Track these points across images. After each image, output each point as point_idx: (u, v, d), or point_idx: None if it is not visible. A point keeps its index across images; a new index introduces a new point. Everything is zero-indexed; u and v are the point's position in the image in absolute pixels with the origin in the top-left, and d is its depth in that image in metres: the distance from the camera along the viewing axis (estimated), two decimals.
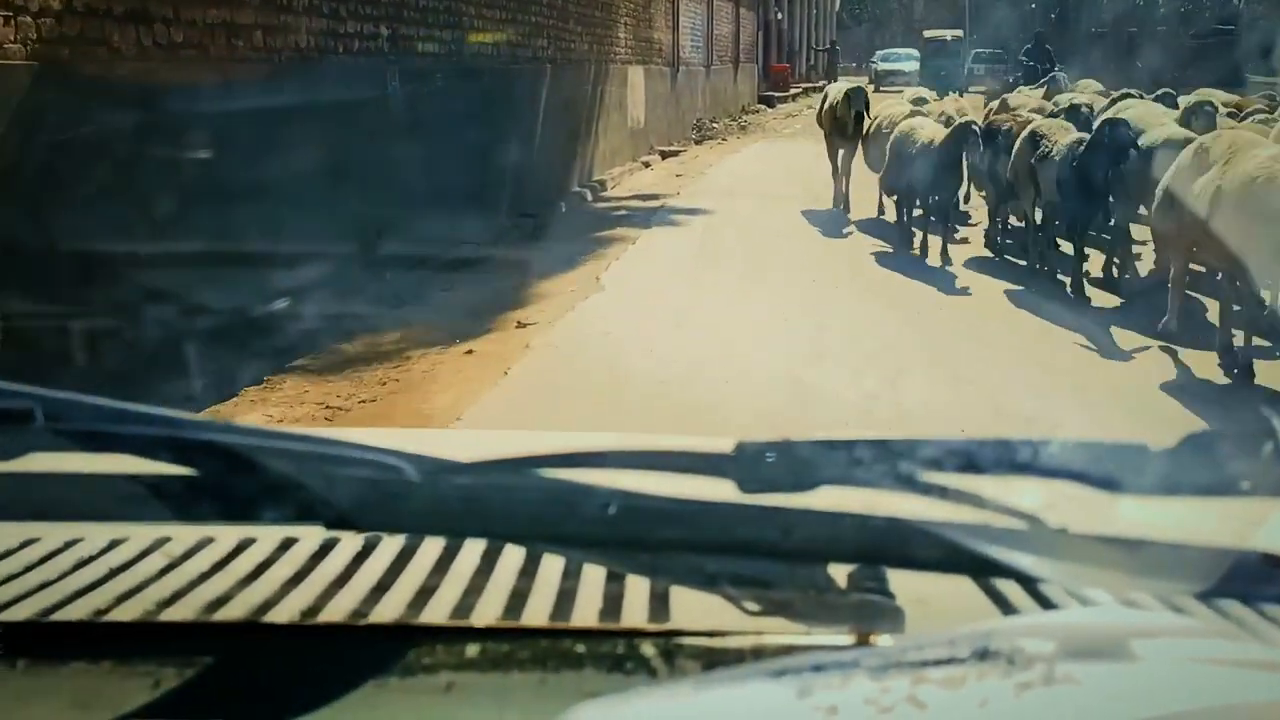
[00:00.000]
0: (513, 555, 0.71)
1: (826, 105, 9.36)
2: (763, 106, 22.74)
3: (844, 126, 8.81)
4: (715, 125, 17.41)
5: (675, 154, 13.82)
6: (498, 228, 7.52)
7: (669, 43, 14.86)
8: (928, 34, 31.63)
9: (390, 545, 0.73)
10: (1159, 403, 4.16)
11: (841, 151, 9.06)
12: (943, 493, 0.60)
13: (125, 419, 0.64)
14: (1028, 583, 0.66)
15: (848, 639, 0.60)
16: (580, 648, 0.61)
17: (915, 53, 33.41)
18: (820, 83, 32.32)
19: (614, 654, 0.60)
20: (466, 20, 7.50)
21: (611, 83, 11.64)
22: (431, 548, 0.73)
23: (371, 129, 6.08)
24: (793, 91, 25.49)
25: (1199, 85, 9.16)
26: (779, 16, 25.83)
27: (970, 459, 0.61)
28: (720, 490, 0.61)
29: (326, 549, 0.73)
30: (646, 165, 12.58)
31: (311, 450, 0.64)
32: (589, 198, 9.98)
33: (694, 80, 16.75)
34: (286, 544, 0.74)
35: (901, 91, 22.40)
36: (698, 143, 15.55)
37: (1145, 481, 0.61)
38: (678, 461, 0.63)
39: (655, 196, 10.12)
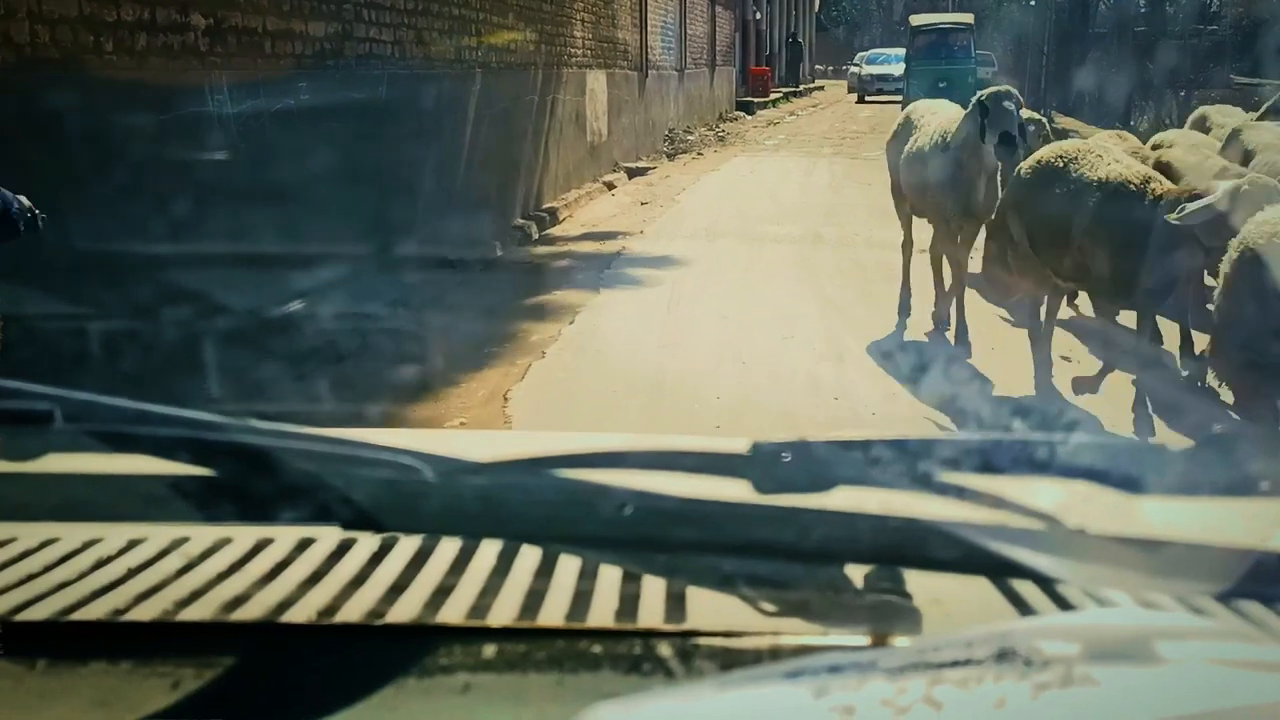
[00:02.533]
0: (529, 555, 0.71)
1: (925, 145, 4.72)
2: (741, 113, 20.87)
3: (973, 192, 4.42)
4: (690, 136, 15.54)
5: (643, 172, 11.91)
6: (399, 289, 5.42)
7: (636, 44, 12.97)
8: (917, 21, 19.75)
9: (407, 545, 0.73)
10: None
11: (960, 238, 4.63)
12: (960, 493, 0.61)
13: (144, 420, 0.64)
14: (1045, 583, 0.65)
15: (864, 639, 0.60)
16: (597, 648, 0.61)
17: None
18: (803, 87, 30.28)
19: (630, 654, 0.60)
20: (347, 12, 5.63)
21: (566, 90, 9.74)
22: (448, 548, 0.73)
23: (186, 161, 4.17)
24: (773, 96, 23.64)
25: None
26: (757, 16, 23.93)
27: (987, 459, 0.62)
28: (736, 490, 0.61)
29: (344, 549, 0.73)
30: (609, 187, 10.64)
31: (329, 451, 0.65)
32: (534, 234, 7.89)
33: (665, 86, 14.88)
34: (304, 544, 0.74)
35: (892, 100, 19.17)
36: (670, 157, 13.63)
37: (1164, 482, 0.61)
38: (694, 462, 0.64)
39: (613, 235, 7.82)
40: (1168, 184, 3.50)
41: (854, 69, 32.33)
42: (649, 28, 13.43)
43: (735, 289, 5.85)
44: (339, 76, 5.38)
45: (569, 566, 0.69)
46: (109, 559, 0.72)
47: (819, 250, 7.00)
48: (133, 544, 0.74)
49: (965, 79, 16.29)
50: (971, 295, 4.57)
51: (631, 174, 11.80)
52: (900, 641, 0.59)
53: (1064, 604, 0.65)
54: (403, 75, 6.04)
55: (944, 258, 4.79)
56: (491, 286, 6.00)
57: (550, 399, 4.05)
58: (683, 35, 16.10)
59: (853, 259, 6.60)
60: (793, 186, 10.18)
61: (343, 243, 5.26)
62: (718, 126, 17.60)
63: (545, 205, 8.93)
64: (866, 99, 27.09)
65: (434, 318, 5.18)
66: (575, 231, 8.15)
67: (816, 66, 36.56)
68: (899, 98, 19.68)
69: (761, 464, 0.61)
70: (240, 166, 4.47)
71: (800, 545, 0.62)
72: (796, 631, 0.61)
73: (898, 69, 23.83)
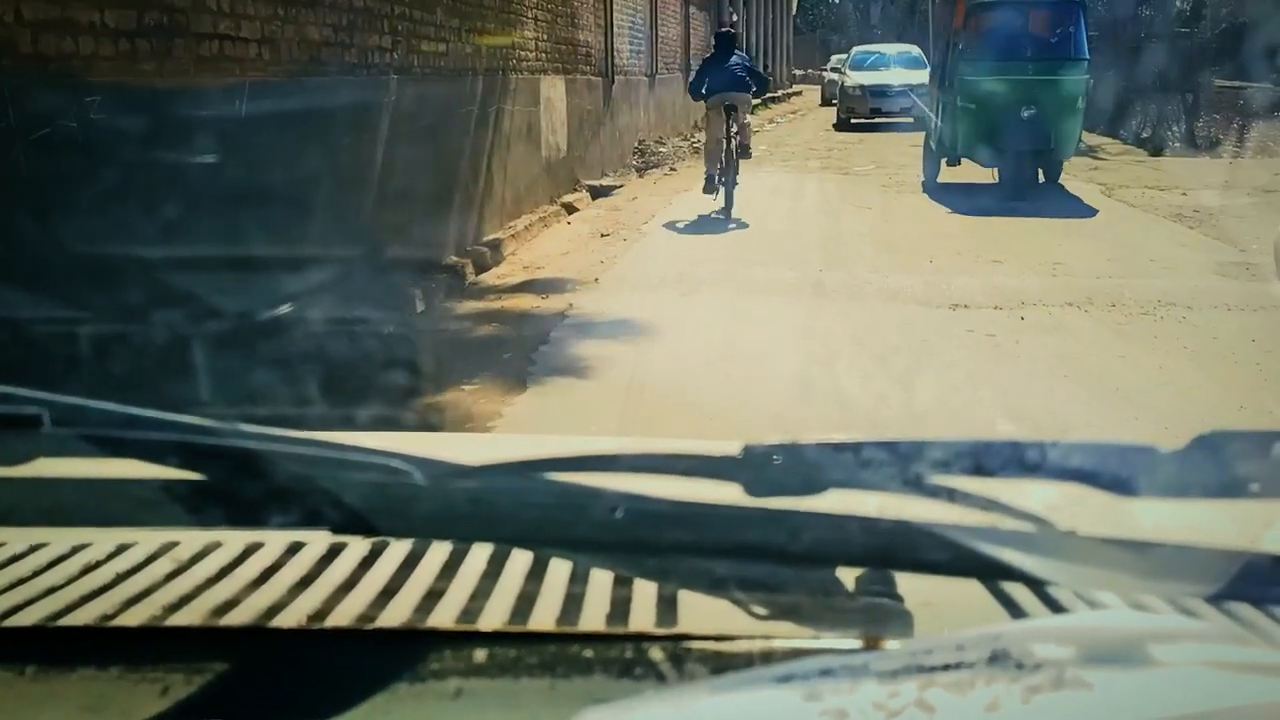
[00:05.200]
0: (520, 559, 0.71)
1: None
2: None
3: None
4: (662, 148, 14.04)
5: (609, 191, 10.42)
6: (249, 381, 3.67)
7: (600, 47, 11.51)
8: None
9: (398, 549, 0.73)
10: None
11: None
12: (951, 495, 0.60)
13: (132, 424, 0.64)
14: (1036, 586, 0.66)
15: (856, 643, 0.60)
16: (588, 652, 0.61)
17: (917, 53, 18.51)
18: (780, 92, 27.99)
19: (622, 658, 0.60)
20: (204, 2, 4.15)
21: (514, 99, 8.27)
22: (439, 552, 0.72)
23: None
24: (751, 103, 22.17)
25: None
26: (734, 18, 22.49)
27: (978, 461, 0.61)
28: (727, 493, 0.61)
29: (334, 553, 0.73)
30: (568, 210, 9.14)
31: (318, 454, 0.64)
32: (468, 277, 6.29)
33: (634, 93, 13.42)
34: (294, 548, 0.74)
35: (893, 121, 15.83)
36: (640, 172, 12.13)
37: (1154, 484, 0.60)
38: (685, 465, 0.63)
39: (561, 285, 5.90)
40: None
41: (830, 75, 23.92)
42: (615, 29, 11.96)
43: (718, 382, 4.02)
44: (169, 90, 3.89)
45: (560, 570, 0.69)
46: (98, 564, 0.72)
47: (823, 308, 5.31)
48: (122, 548, 0.74)
49: (1070, 102, 8.86)
50: None
51: (595, 193, 10.32)
52: (892, 644, 0.58)
53: (1055, 606, 0.66)
54: (274, 86, 4.56)
55: None
56: (384, 372, 4.20)
57: None
58: (653, 37, 14.63)
59: (869, 320, 5.03)
60: (780, 212, 8.65)
61: (176, 307, 3.77)
62: (693, 136, 16.12)
63: (487, 237, 7.44)
64: (852, 122, 18.16)
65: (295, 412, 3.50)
66: (515, 276, 6.37)
67: (795, 71, 35.27)
68: (906, 119, 15.12)
69: (753, 466, 0.61)
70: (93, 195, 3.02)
71: (792, 548, 0.61)
72: (788, 635, 0.61)
73: (909, 77, 16.81)
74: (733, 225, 8.09)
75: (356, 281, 5.20)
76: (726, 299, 5.55)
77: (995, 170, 9.21)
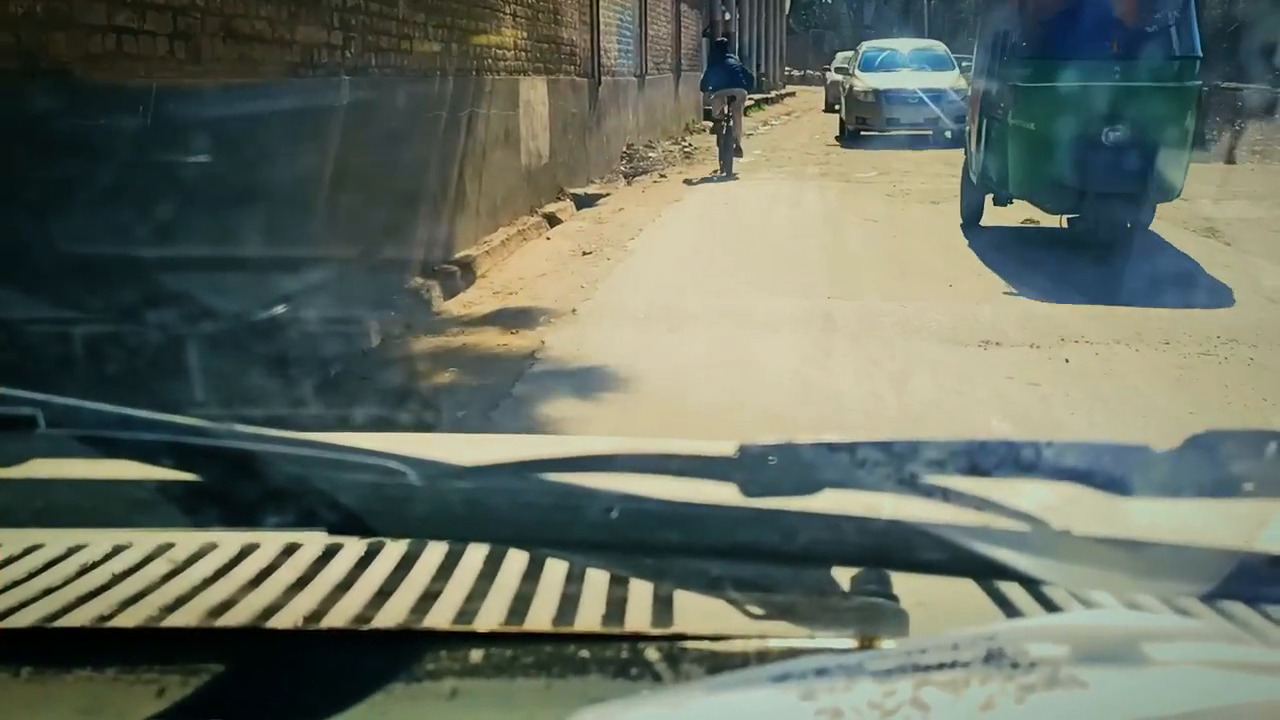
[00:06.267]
0: (516, 560, 0.71)
1: None
2: (710, 124, 18.76)
3: None
4: (651, 153, 13.33)
5: (593, 201, 9.69)
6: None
7: (586, 46, 10.80)
8: None
9: (393, 550, 0.73)
10: None
11: None
12: (945, 495, 0.60)
13: (128, 424, 0.64)
14: (1031, 585, 0.66)
15: (851, 642, 0.60)
16: (584, 652, 0.60)
17: (942, 51, 15.99)
18: (774, 93, 26.86)
19: (618, 658, 0.60)
20: None
21: (491, 102, 7.56)
22: (435, 552, 0.72)
23: None
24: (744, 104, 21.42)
25: None
26: (727, 17, 21.79)
27: (973, 461, 0.61)
28: (723, 494, 0.61)
29: (330, 554, 0.73)
30: (549, 222, 8.41)
31: (314, 455, 0.64)
32: (435, 302, 5.52)
33: (622, 94, 12.71)
34: (290, 549, 0.74)
35: (911, 134, 14.05)
36: (628, 179, 11.42)
37: (1149, 483, 0.60)
38: (680, 465, 0.63)
39: (532, 319, 5.04)
40: None
41: (834, 76, 20.25)
42: (601, 27, 11.25)
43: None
44: (47, 95, 3.15)
45: (556, 570, 0.69)
46: (94, 565, 0.72)
47: (835, 346, 4.49)
48: (118, 549, 0.74)
49: (1177, 119, 6.08)
50: None
51: (580, 202, 9.61)
52: (887, 644, 0.58)
53: (1050, 605, 0.66)
54: (190, 90, 3.84)
55: None
56: (322, 419, 3.64)
57: None
58: (642, 36, 13.92)
59: (889, 368, 4.17)
60: (779, 224, 7.90)
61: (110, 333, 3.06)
62: (683, 140, 15.42)
63: (459, 255, 6.72)
64: (862, 134, 14.87)
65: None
66: (485, 304, 5.50)
67: (788, 70, 34.62)
68: (925, 131, 13.54)
69: (748, 467, 0.61)
70: None
71: (787, 548, 0.61)
72: (783, 634, 0.61)
73: (933, 81, 14.30)
74: (728, 238, 7.38)
75: (308, 311, 4.50)
76: (716, 335, 4.74)
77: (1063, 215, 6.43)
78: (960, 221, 7.63)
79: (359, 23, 5.32)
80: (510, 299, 5.63)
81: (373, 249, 5.51)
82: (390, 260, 5.70)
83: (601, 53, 11.27)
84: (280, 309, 4.35)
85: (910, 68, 15.48)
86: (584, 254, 6.82)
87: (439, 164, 6.51)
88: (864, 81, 15.31)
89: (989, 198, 7.20)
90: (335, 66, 5.10)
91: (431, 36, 6.44)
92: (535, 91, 8.81)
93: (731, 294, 5.56)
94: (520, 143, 8.36)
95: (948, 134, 13.20)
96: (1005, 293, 5.57)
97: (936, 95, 14.17)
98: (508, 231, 7.69)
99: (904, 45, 17.05)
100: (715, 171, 11.11)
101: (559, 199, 9.41)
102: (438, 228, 6.45)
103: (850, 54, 19.21)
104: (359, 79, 5.32)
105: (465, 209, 7.01)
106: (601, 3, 11.25)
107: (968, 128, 7.86)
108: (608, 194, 9.92)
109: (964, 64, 13.76)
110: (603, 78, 11.34)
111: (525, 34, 8.54)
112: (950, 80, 14.58)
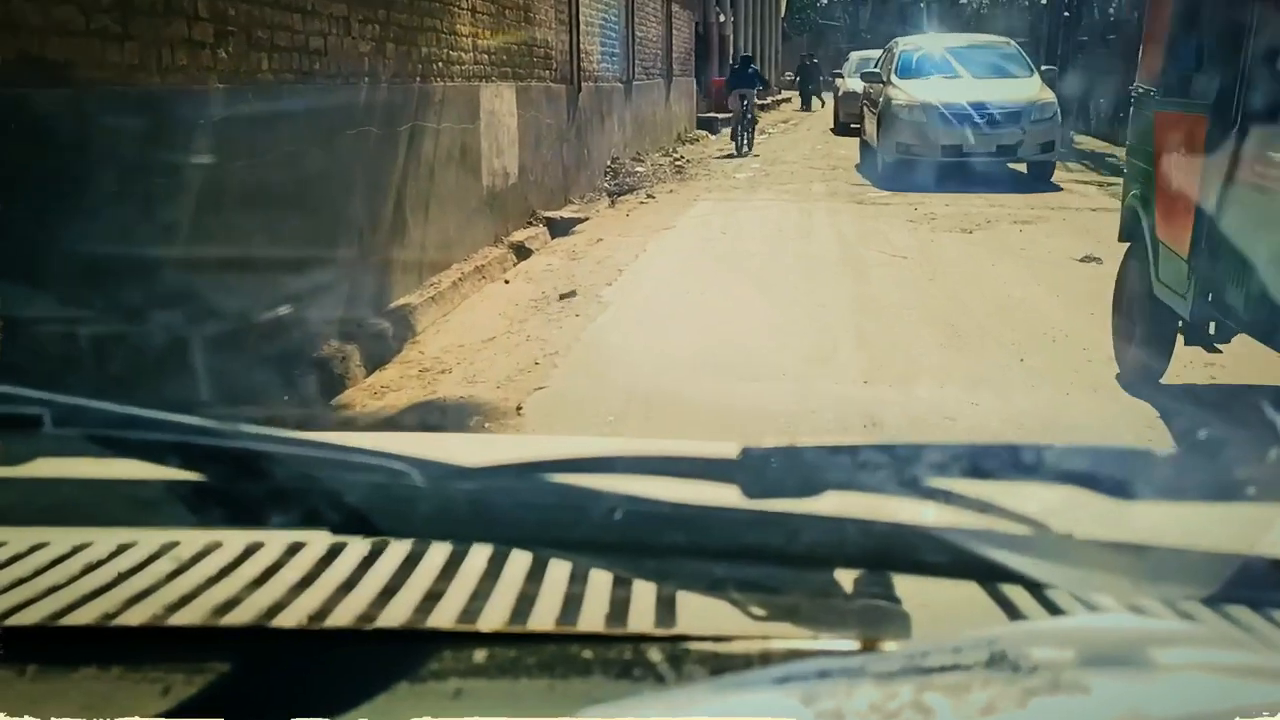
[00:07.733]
0: (519, 560, 0.71)
1: None
2: (704, 132, 17.33)
3: None
4: (639, 167, 11.99)
5: (570, 226, 8.37)
6: None
7: (564, 47, 9.48)
8: None
9: (397, 550, 0.73)
10: None
11: None
12: (948, 497, 0.60)
13: (133, 424, 0.64)
14: (1034, 588, 0.66)
15: (853, 644, 0.60)
16: (587, 653, 0.61)
17: (1014, 50, 11.45)
18: (770, 99, 25.55)
19: (621, 659, 0.60)
20: None
21: (440, 114, 6.25)
22: (438, 552, 0.72)
23: None
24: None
25: None
26: (721, 19, 20.50)
27: (976, 464, 0.61)
28: (726, 495, 0.61)
29: (334, 554, 0.73)
30: (518, 254, 7.15)
31: (318, 455, 0.65)
32: (348, 380, 4.22)
33: (606, 102, 11.38)
34: (294, 548, 0.74)
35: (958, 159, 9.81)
36: (613, 198, 10.15)
37: (1152, 487, 0.61)
38: (684, 467, 0.63)
39: (462, 419, 3.82)
40: None
41: (849, 85, 16.35)
42: (582, 26, 9.93)
43: None
44: None
45: (559, 571, 0.69)
46: (99, 563, 0.72)
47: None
48: (123, 548, 0.74)
49: None
50: None
51: (555, 228, 8.31)
52: (889, 646, 0.59)
53: (1053, 609, 0.65)
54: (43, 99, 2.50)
55: None
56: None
57: None
58: (630, 38, 12.61)
59: None
60: (787, 262, 6.51)
61: None
62: (675, 151, 14.12)
63: (396, 304, 5.42)
64: (914, 175, 10.12)
65: None
66: (403, 390, 4.17)
67: (784, 76, 33.37)
68: (998, 162, 9.97)
69: (751, 468, 0.61)
70: None
71: (790, 550, 0.62)
72: (786, 636, 0.61)
73: (1009, 91, 10.27)
74: (726, 281, 6.07)
75: (172, 393, 3.22)
76: (716, 436, 3.37)
77: None
78: (1117, 371, 4.16)
79: (240, 13, 3.99)
80: (438, 382, 4.22)
81: (273, 305, 4.19)
82: (292, 321, 4.36)
83: (582, 55, 9.96)
84: (147, 381, 3.12)
85: (972, 73, 10.96)
86: (561, 300, 5.44)
87: (366, 193, 5.20)
88: (905, 93, 10.73)
89: (1179, 334, 3.77)
90: (201, 71, 3.77)
91: (357, 34, 5.12)
92: (501, 101, 7.50)
93: (732, 370, 4.11)
94: (481, 161, 7.06)
95: (1028, 168, 10.16)
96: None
97: (1015, 113, 10.14)
98: (462, 269, 6.38)
99: (957, 41, 12.42)
100: (731, 155, 13.97)
101: (530, 224, 8.14)
102: (363, 274, 5.13)
103: (867, 55, 15.92)
104: (241, 88, 4.00)
105: (405, 245, 5.70)
106: (583, 1, 9.94)
107: (1135, 191, 4.16)
108: (587, 217, 8.63)
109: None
110: (584, 84, 10.03)
111: (488, 33, 7.24)
112: (1031, 90, 10.42)
